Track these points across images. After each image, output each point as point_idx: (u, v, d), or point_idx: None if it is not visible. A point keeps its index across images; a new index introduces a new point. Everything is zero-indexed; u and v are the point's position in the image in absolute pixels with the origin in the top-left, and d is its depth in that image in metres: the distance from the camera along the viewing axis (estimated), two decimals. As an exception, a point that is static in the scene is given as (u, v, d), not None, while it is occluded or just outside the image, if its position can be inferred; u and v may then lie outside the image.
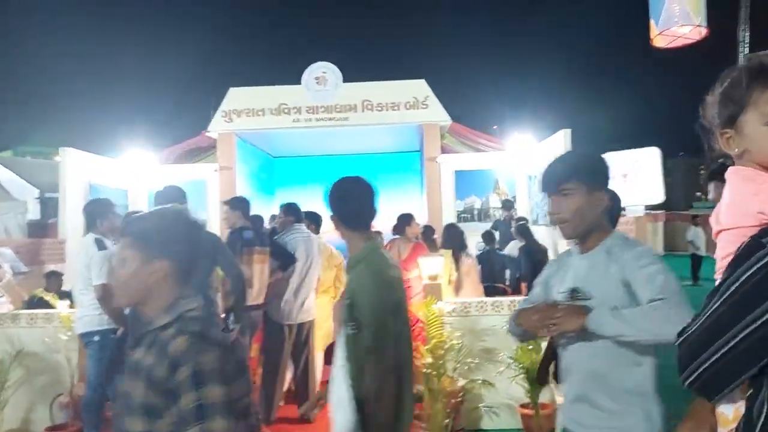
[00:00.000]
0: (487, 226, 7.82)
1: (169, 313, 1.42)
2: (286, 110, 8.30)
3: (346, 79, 8.21)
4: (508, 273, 6.59)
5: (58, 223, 7.07)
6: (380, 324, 1.99)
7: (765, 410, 0.95)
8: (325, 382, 3.73)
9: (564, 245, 6.36)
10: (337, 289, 5.39)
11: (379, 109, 8.27)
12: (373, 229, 8.57)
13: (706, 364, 0.99)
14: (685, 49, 6.30)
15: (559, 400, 2.97)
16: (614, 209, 3.08)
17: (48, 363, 4.60)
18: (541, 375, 2.70)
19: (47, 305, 4.99)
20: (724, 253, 1.18)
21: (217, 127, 8.42)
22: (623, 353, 1.64)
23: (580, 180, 1.74)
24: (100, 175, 7.46)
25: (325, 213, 6.55)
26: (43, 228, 10.18)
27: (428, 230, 6.46)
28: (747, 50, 5.78)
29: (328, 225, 6.75)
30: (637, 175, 4.66)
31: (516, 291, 6.17)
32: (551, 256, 6.42)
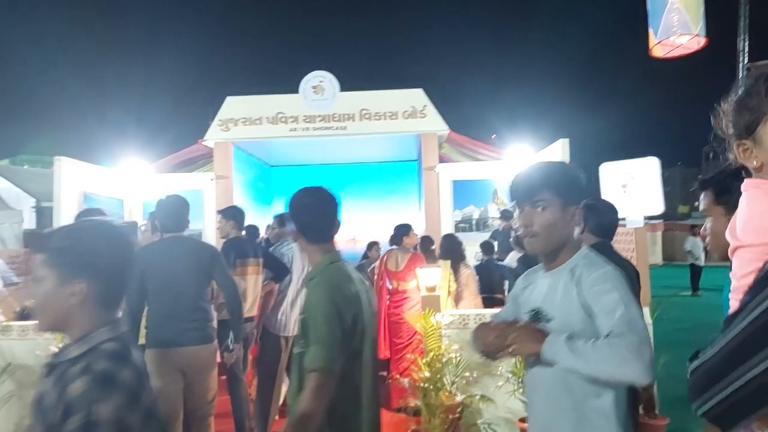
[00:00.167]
0: (485, 236, 7.76)
1: (82, 344, 1.27)
2: (283, 119, 8.26)
3: (344, 88, 8.18)
4: (507, 284, 6.53)
5: (52, 232, 7.00)
6: (330, 344, 1.86)
7: None
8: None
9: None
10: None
11: (377, 118, 8.24)
12: (372, 240, 8.43)
13: (720, 396, 0.93)
14: (684, 59, 6.29)
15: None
16: (611, 221, 3.04)
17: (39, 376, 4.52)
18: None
19: (39, 317, 4.90)
20: (742, 272, 1.11)
21: (213, 135, 8.38)
22: (586, 379, 1.52)
23: (556, 193, 1.64)
24: (95, 185, 7.41)
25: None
26: (39, 238, 10.10)
27: (426, 240, 6.40)
28: (747, 60, 5.75)
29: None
30: (637, 186, 4.60)
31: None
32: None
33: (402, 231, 5.74)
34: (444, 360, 4.07)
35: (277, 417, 4.82)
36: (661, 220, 23.71)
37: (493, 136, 12.46)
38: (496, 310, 4.76)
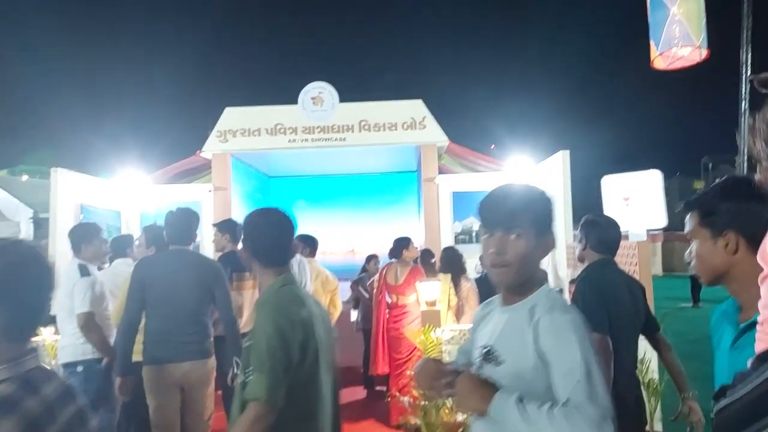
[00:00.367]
0: (485, 248, 7.68)
1: None
2: (282, 130, 8.21)
3: (343, 99, 8.14)
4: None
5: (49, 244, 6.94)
6: (272, 373, 1.79)
7: None
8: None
9: (565, 269, 6.24)
10: (331, 315, 5.25)
11: (376, 129, 8.19)
12: (371, 252, 8.29)
13: None
14: (686, 71, 6.25)
15: None
16: (613, 236, 2.97)
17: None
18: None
19: (32, 331, 4.82)
20: None
21: (211, 147, 8.32)
22: None
23: (531, 220, 1.50)
24: (92, 196, 7.35)
25: (320, 236, 6.37)
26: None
27: (426, 254, 6.32)
28: (749, 72, 5.70)
29: (323, 248, 6.62)
30: (639, 199, 4.54)
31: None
32: (551, 280, 6.28)
33: (401, 244, 5.67)
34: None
35: None
36: (660, 231, 23.64)
37: (492, 146, 12.43)
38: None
